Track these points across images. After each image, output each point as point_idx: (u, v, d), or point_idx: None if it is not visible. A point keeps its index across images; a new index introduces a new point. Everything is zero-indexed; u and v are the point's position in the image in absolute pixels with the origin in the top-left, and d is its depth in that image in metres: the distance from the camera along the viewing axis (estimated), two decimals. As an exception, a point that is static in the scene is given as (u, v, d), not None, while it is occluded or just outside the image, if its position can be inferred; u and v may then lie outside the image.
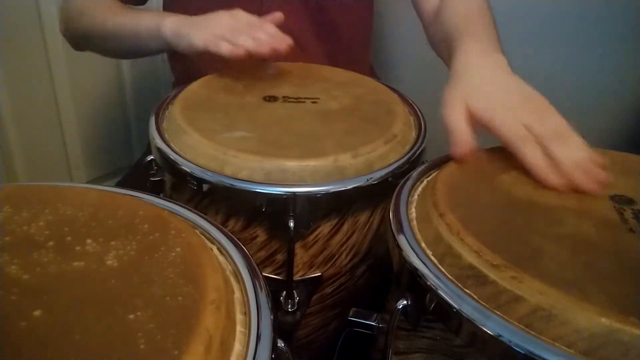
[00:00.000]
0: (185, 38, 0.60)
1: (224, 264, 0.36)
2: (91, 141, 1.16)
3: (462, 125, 0.46)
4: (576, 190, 0.42)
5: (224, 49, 0.57)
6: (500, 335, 0.30)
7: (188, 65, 0.80)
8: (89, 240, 0.33)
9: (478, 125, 0.46)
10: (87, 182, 1.18)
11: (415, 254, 0.37)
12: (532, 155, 0.43)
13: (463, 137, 0.46)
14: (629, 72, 0.94)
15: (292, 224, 0.47)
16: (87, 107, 1.12)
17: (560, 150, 0.42)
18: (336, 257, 0.52)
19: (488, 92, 0.48)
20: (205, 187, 0.48)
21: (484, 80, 0.49)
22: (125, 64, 1.16)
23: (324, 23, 0.78)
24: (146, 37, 0.65)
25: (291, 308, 0.51)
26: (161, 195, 0.57)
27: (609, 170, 0.43)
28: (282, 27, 0.75)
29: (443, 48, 0.65)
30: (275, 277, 0.52)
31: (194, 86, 0.62)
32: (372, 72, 0.90)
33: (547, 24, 0.96)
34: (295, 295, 0.51)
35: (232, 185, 0.47)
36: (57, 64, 1.04)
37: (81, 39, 0.75)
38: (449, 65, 0.56)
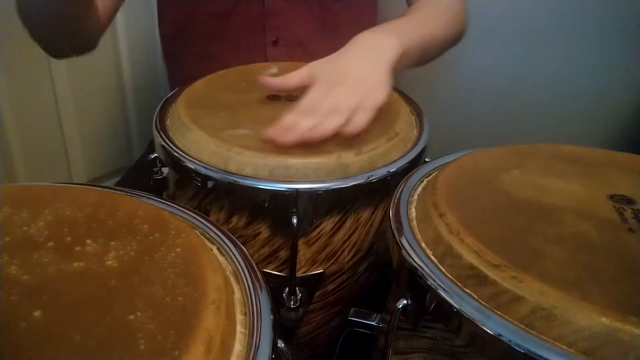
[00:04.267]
0: None
1: (224, 264, 0.36)
2: (91, 141, 1.16)
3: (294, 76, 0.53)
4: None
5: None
6: (500, 335, 0.30)
7: (186, 73, 0.80)
8: (88, 241, 0.33)
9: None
10: (87, 182, 1.18)
11: (416, 253, 0.37)
12: (287, 117, 0.49)
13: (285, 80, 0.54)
14: (628, 72, 0.94)
15: (295, 221, 0.47)
16: (87, 107, 1.12)
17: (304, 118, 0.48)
18: (338, 253, 0.52)
19: (326, 60, 0.55)
20: (209, 183, 0.48)
21: (339, 52, 0.56)
22: (125, 64, 1.16)
23: (327, 23, 0.78)
24: None
25: (294, 305, 0.52)
26: (164, 193, 0.57)
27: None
28: (286, 28, 0.75)
29: None
30: (278, 273, 0.52)
31: (198, 84, 0.62)
32: None
33: (547, 24, 0.96)
34: (298, 292, 0.52)
35: (235, 181, 0.47)
36: (57, 64, 1.03)
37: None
38: None
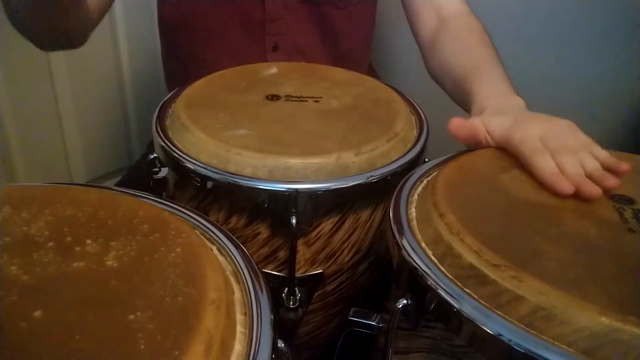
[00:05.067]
0: None
1: (224, 264, 0.36)
2: (91, 141, 1.16)
3: (476, 123, 0.49)
4: (580, 198, 0.41)
5: None
6: (500, 335, 0.30)
7: (184, 77, 0.80)
8: (88, 241, 0.33)
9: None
10: (87, 182, 1.18)
11: (416, 253, 0.37)
12: (541, 164, 0.43)
13: (468, 126, 0.49)
14: (629, 72, 0.94)
15: (294, 221, 0.47)
16: (87, 107, 1.12)
17: (569, 160, 0.43)
18: (338, 254, 0.52)
19: (512, 118, 0.49)
20: (208, 184, 0.48)
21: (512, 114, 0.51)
22: (125, 64, 1.16)
23: (327, 30, 0.78)
24: None
25: (293, 305, 0.52)
26: (164, 193, 0.57)
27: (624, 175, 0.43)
28: (286, 34, 0.75)
29: (447, 82, 0.66)
30: (277, 273, 0.52)
31: (197, 84, 0.62)
32: (371, 71, 0.90)
33: (547, 24, 0.96)
34: (297, 292, 0.52)
35: (235, 181, 0.47)
36: (57, 64, 1.03)
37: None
38: (463, 103, 0.58)
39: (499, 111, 0.51)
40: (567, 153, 0.44)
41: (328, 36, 0.78)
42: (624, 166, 0.43)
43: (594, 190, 0.41)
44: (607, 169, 0.43)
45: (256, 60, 0.75)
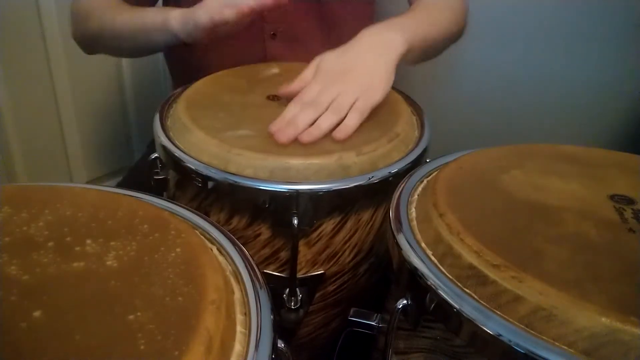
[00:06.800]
0: (191, 21, 0.60)
1: (224, 264, 0.36)
2: (91, 141, 1.16)
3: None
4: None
5: (228, 13, 0.57)
6: (500, 335, 0.30)
7: (185, 65, 0.80)
8: (88, 241, 0.33)
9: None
10: (87, 182, 1.18)
11: (415, 253, 0.37)
12: (288, 108, 0.51)
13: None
14: (628, 72, 0.94)
15: (295, 222, 0.47)
16: (87, 107, 1.12)
17: (303, 112, 0.51)
18: (339, 254, 0.52)
19: (332, 53, 0.56)
20: (209, 184, 0.48)
21: (346, 46, 0.56)
22: (125, 64, 1.16)
23: (326, 18, 0.78)
24: (154, 32, 0.65)
25: (294, 306, 0.52)
26: (164, 194, 0.57)
27: None
28: (285, 21, 0.75)
29: None
30: (278, 274, 0.52)
31: (199, 85, 0.62)
32: None
33: (547, 24, 0.96)
34: (298, 293, 0.52)
35: (236, 182, 0.47)
36: (57, 64, 1.04)
37: (90, 39, 0.75)
38: None
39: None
40: (309, 106, 0.51)
41: (327, 24, 0.78)
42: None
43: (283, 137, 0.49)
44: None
45: (255, 47, 0.75)
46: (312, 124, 0.51)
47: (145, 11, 0.68)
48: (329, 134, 0.51)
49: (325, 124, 0.50)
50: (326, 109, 0.51)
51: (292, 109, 0.52)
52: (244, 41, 0.75)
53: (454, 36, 0.72)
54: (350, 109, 0.51)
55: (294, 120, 0.50)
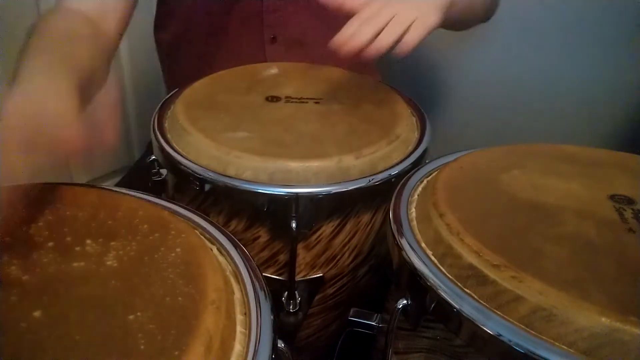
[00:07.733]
0: None
1: (224, 265, 0.36)
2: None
3: None
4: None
5: None
6: (500, 335, 0.30)
7: (182, 67, 0.79)
8: (88, 241, 0.33)
9: None
10: (87, 182, 1.18)
11: (415, 254, 0.37)
12: (349, 24, 0.49)
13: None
14: (628, 72, 0.94)
15: (294, 225, 0.47)
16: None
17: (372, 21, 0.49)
18: (338, 257, 0.52)
19: None
20: (207, 187, 0.48)
21: None
22: (125, 64, 1.16)
23: (325, 22, 0.78)
24: None
25: (293, 309, 0.51)
26: (163, 195, 0.57)
27: None
28: (284, 25, 0.75)
29: None
30: (277, 277, 0.52)
31: (197, 85, 0.61)
32: (375, 71, 0.90)
33: (547, 24, 0.96)
34: (297, 296, 0.51)
35: (234, 185, 0.46)
36: (57, 65, 1.03)
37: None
38: None
39: None
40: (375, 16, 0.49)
41: (327, 28, 0.78)
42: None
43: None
44: None
45: (255, 52, 0.75)
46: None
47: (31, 62, 0.51)
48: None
49: (390, 37, 0.49)
50: (385, 26, 0.50)
51: (352, 26, 0.50)
52: (244, 45, 0.75)
53: (490, 8, 0.71)
54: (408, 28, 0.50)
55: (357, 35, 0.49)
